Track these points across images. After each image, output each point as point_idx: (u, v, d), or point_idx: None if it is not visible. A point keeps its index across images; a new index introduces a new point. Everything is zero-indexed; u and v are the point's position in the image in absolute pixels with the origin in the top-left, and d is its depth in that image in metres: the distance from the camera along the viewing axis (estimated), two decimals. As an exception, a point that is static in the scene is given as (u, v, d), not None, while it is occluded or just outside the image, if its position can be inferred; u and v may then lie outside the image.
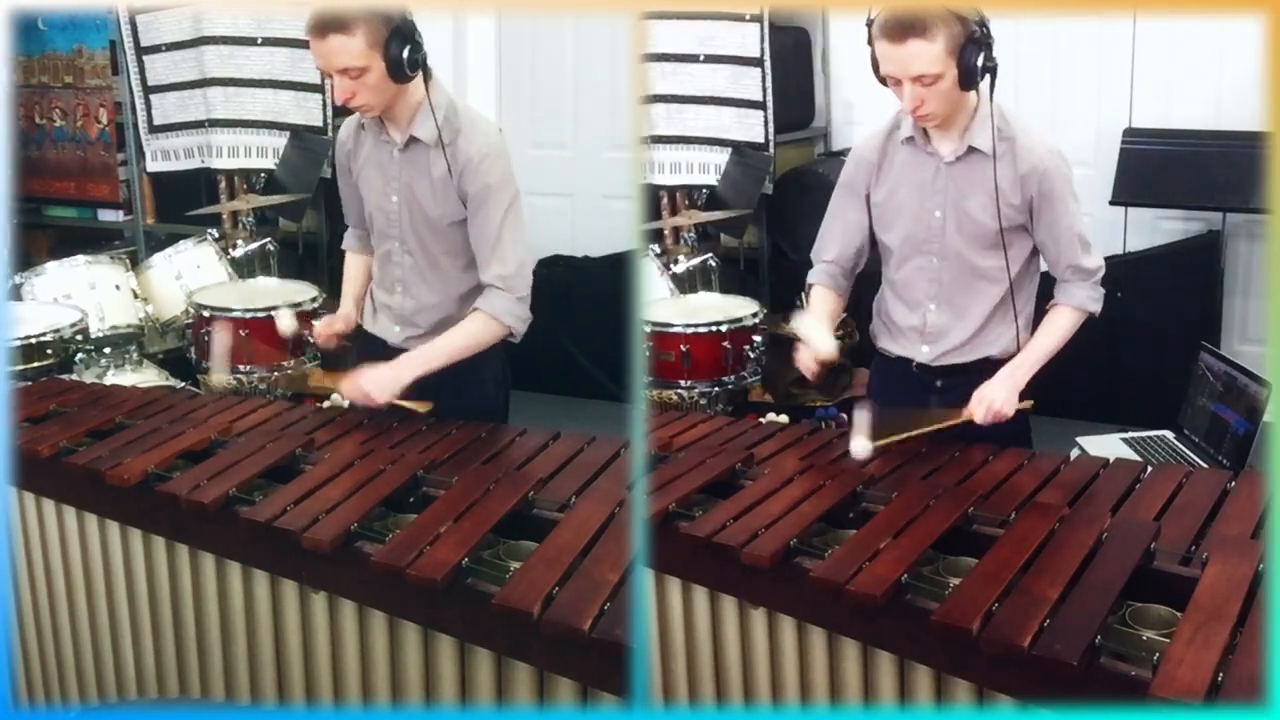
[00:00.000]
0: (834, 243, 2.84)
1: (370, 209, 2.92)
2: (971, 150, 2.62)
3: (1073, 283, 2.70)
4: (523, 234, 2.82)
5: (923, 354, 2.76)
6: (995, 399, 2.59)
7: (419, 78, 2.72)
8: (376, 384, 2.74)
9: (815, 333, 2.72)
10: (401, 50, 2.65)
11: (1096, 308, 2.71)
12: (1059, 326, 2.69)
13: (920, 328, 2.75)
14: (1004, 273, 2.67)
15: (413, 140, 2.80)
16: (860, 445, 2.50)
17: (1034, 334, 2.71)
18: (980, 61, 2.49)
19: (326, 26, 2.62)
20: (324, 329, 3.04)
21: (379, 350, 2.94)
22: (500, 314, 2.78)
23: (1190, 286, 4.75)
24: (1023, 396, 2.64)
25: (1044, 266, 2.76)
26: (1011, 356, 2.69)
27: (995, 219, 2.62)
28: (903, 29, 2.46)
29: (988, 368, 2.69)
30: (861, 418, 2.50)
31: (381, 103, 2.73)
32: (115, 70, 5.81)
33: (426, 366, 2.76)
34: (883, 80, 2.58)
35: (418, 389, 2.79)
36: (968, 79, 2.50)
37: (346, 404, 3.04)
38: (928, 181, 2.68)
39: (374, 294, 3.00)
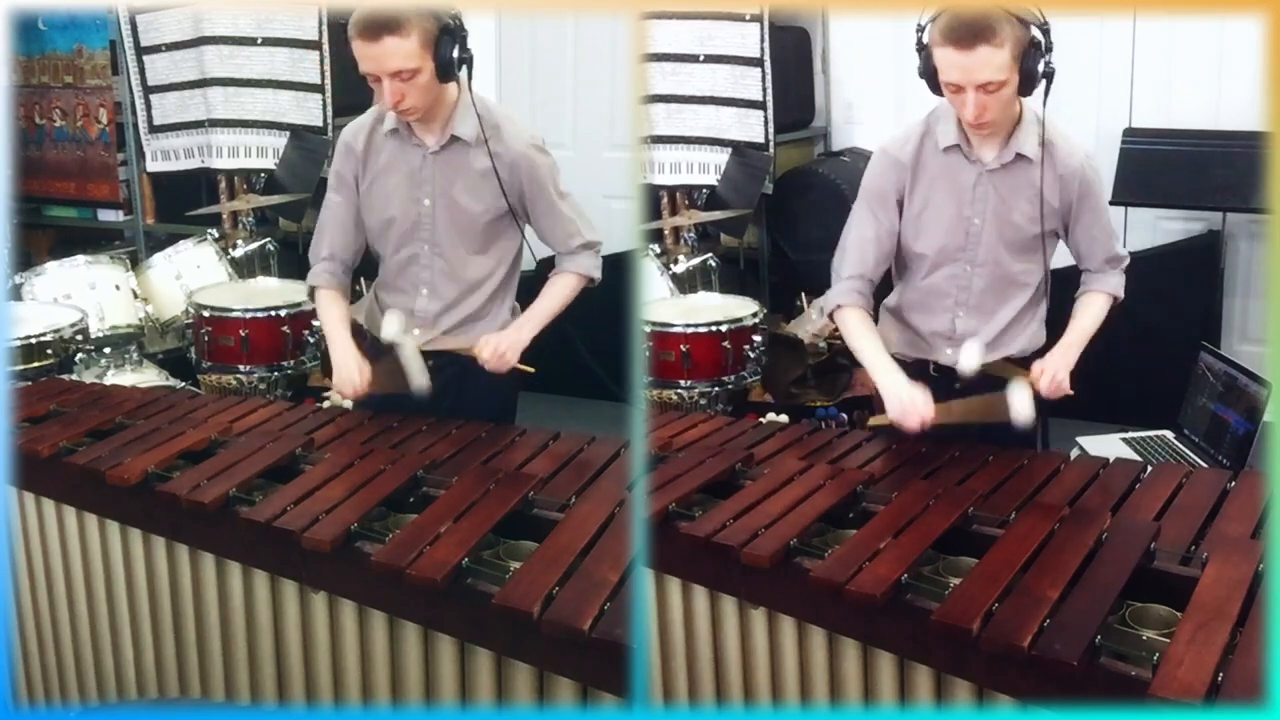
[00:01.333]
0: (861, 254, 2.71)
1: (389, 216, 2.84)
2: (1019, 158, 2.60)
3: (1108, 272, 2.74)
4: None
5: (946, 356, 2.74)
6: (1058, 370, 2.60)
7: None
8: (511, 346, 2.81)
9: (899, 379, 2.59)
10: (451, 50, 2.63)
11: (1122, 294, 2.77)
12: (1097, 311, 2.74)
13: (948, 332, 2.73)
14: (1034, 276, 2.68)
15: (453, 140, 2.77)
16: (970, 357, 2.59)
17: (1073, 319, 2.73)
18: (1041, 67, 2.46)
19: (380, 28, 2.56)
20: (352, 388, 2.81)
21: (389, 355, 2.90)
22: (589, 270, 2.94)
23: (1190, 286, 4.75)
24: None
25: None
26: (1028, 356, 2.69)
27: (1038, 224, 2.62)
28: (973, 35, 2.39)
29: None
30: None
31: (428, 104, 2.70)
32: (115, 70, 5.81)
33: (536, 328, 2.87)
34: (935, 88, 2.53)
35: (437, 385, 2.81)
36: (1027, 85, 2.48)
37: (348, 405, 3.02)
38: (967, 189, 2.64)
39: (381, 298, 2.94)
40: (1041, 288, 2.72)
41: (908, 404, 2.55)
